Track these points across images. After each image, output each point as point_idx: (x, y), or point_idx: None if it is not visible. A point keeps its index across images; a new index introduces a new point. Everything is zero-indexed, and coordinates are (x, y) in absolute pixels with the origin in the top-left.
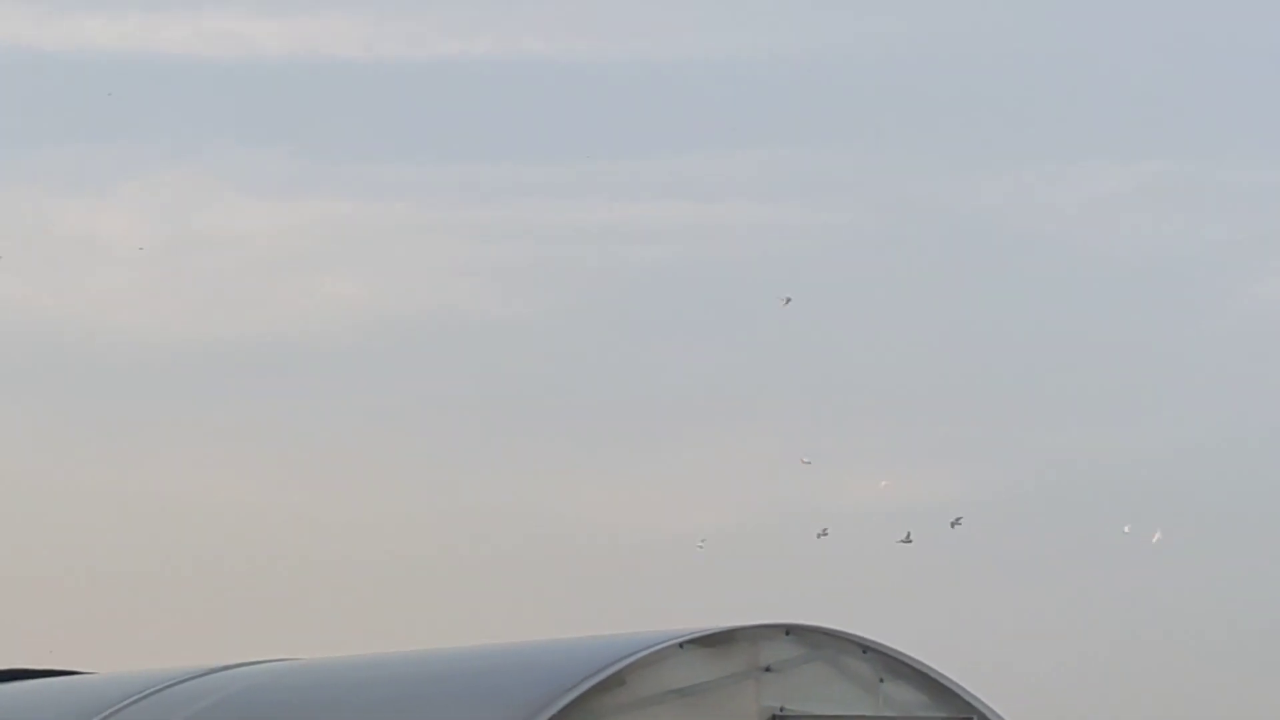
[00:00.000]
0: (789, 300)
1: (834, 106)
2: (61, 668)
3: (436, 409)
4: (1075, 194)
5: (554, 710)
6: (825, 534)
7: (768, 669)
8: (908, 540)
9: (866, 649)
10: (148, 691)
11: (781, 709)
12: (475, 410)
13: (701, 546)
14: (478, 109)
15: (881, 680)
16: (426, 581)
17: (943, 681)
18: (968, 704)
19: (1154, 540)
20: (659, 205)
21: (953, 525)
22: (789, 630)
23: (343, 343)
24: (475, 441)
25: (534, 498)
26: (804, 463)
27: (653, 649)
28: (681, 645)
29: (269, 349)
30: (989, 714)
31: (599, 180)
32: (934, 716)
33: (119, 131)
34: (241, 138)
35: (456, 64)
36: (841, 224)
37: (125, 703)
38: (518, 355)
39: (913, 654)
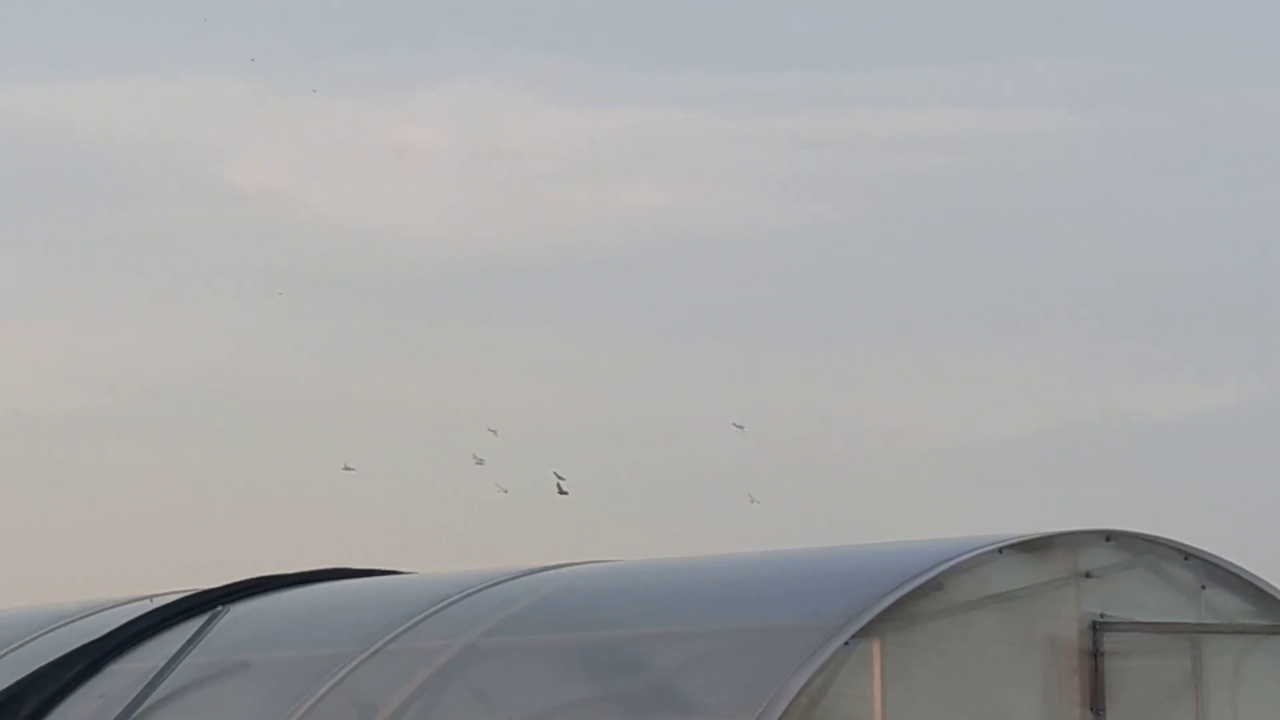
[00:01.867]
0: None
1: (1136, 13)
2: (381, 568)
3: (734, 319)
4: None
5: (873, 614)
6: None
7: (1088, 575)
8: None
9: (1188, 556)
10: (466, 592)
11: (1102, 615)
12: (773, 320)
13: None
14: (778, 12)
15: (1203, 587)
16: (729, 489)
17: (1266, 589)
18: None
19: None
20: (952, 114)
21: None
22: (1109, 536)
23: (642, 253)
24: (773, 351)
25: (835, 406)
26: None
27: (972, 553)
28: (1000, 550)
29: (569, 260)
30: None
31: (899, 89)
32: (1258, 624)
33: (424, 39)
34: (547, 45)
35: None
36: (1138, 132)
37: (443, 603)
38: (816, 264)
39: (1235, 561)
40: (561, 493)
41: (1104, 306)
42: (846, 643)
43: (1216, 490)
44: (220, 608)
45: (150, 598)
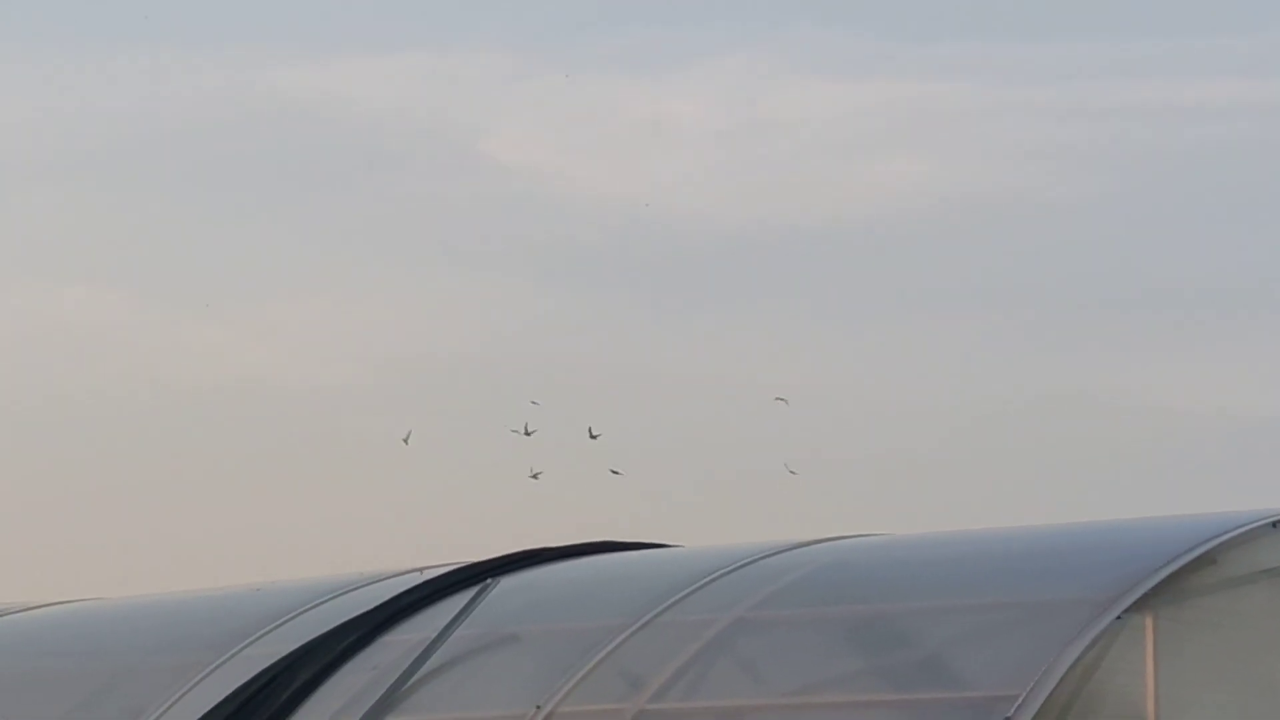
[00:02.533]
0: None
1: None
2: (650, 541)
3: (999, 292)
4: None
5: (1146, 588)
6: None
7: None
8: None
9: None
10: (735, 565)
11: None
12: (1038, 293)
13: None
14: None
15: None
16: (1000, 464)
17: None
18: None
19: None
20: (1220, 84)
21: None
22: None
23: (906, 226)
24: (1040, 325)
25: (1102, 380)
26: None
27: (1244, 528)
28: (1275, 524)
29: (830, 232)
30: None
31: (1161, 60)
32: None
33: (687, 13)
34: (809, 18)
35: None
36: None
37: (712, 576)
38: (1082, 237)
39: None
40: (593, 436)
41: None
42: (1119, 617)
43: None
44: (490, 580)
45: (421, 570)
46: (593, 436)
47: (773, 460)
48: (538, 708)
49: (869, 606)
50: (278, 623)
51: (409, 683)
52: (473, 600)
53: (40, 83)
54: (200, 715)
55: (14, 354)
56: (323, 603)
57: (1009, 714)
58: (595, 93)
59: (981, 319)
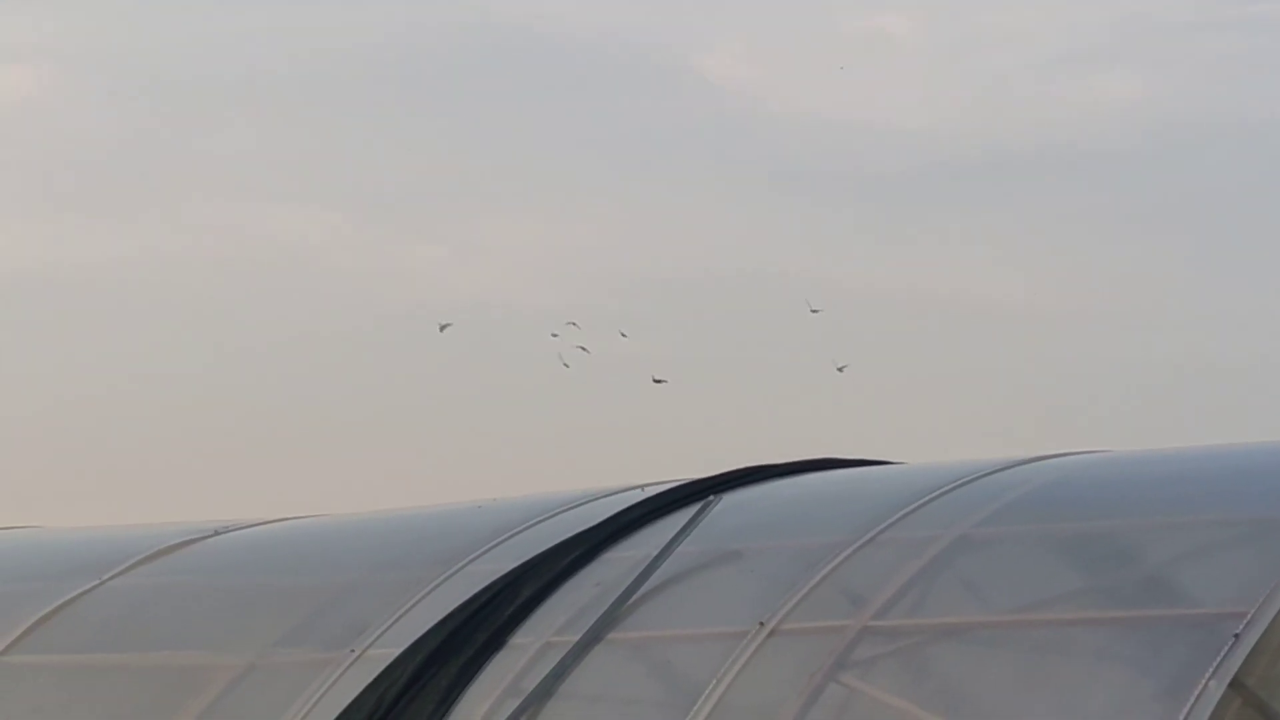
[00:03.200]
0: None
1: None
2: (872, 458)
3: (1216, 210)
4: None
5: None
6: None
7: None
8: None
9: None
10: (958, 482)
11: None
12: (1254, 211)
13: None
14: None
15: None
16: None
17: None
18: None
19: None
20: None
21: None
22: None
23: (1119, 144)
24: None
25: None
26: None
27: None
28: None
29: (1046, 151)
30: None
31: None
32: None
33: None
34: None
35: None
36: None
37: (935, 493)
38: None
39: None
40: (657, 381)
41: None
42: None
43: None
44: (711, 497)
45: (642, 487)
46: (657, 381)
47: (988, 378)
48: (760, 624)
49: (1092, 524)
50: (501, 539)
51: (631, 599)
52: (695, 517)
53: (259, 7)
54: (424, 630)
55: (236, 275)
56: (545, 519)
57: (1237, 631)
58: (809, 9)
59: (1188, 232)
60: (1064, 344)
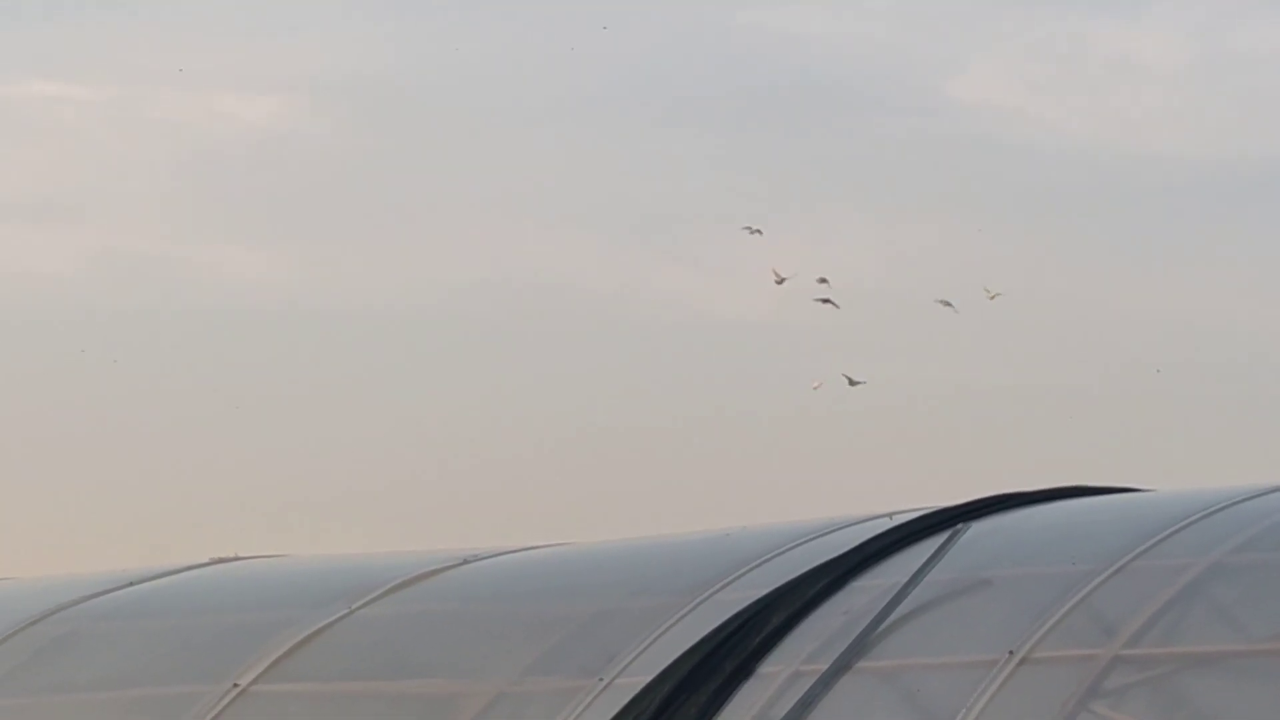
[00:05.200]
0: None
1: None
2: (1122, 485)
3: None
4: None
5: None
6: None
7: None
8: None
9: None
10: (1212, 509)
11: None
12: None
13: (816, 388)
14: None
15: None
16: None
17: None
18: None
19: None
20: None
21: None
22: None
23: None
24: None
25: None
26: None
27: None
28: None
29: None
30: None
31: None
32: None
33: None
34: None
35: None
36: None
37: (1188, 520)
38: None
39: None
40: (853, 383)
41: None
42: None
43: None
44: (960, 525)
45: (890, 515)
46: (853, 384)
47: (1239, 403)
48: (1010, 653)
49: None
50: (748, 567)
51: (881, 627)
52: (944, 545)
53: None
54: (674, 658)
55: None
56: (793, 548)
57: None
58: (1061, 32)
59: None
60: None
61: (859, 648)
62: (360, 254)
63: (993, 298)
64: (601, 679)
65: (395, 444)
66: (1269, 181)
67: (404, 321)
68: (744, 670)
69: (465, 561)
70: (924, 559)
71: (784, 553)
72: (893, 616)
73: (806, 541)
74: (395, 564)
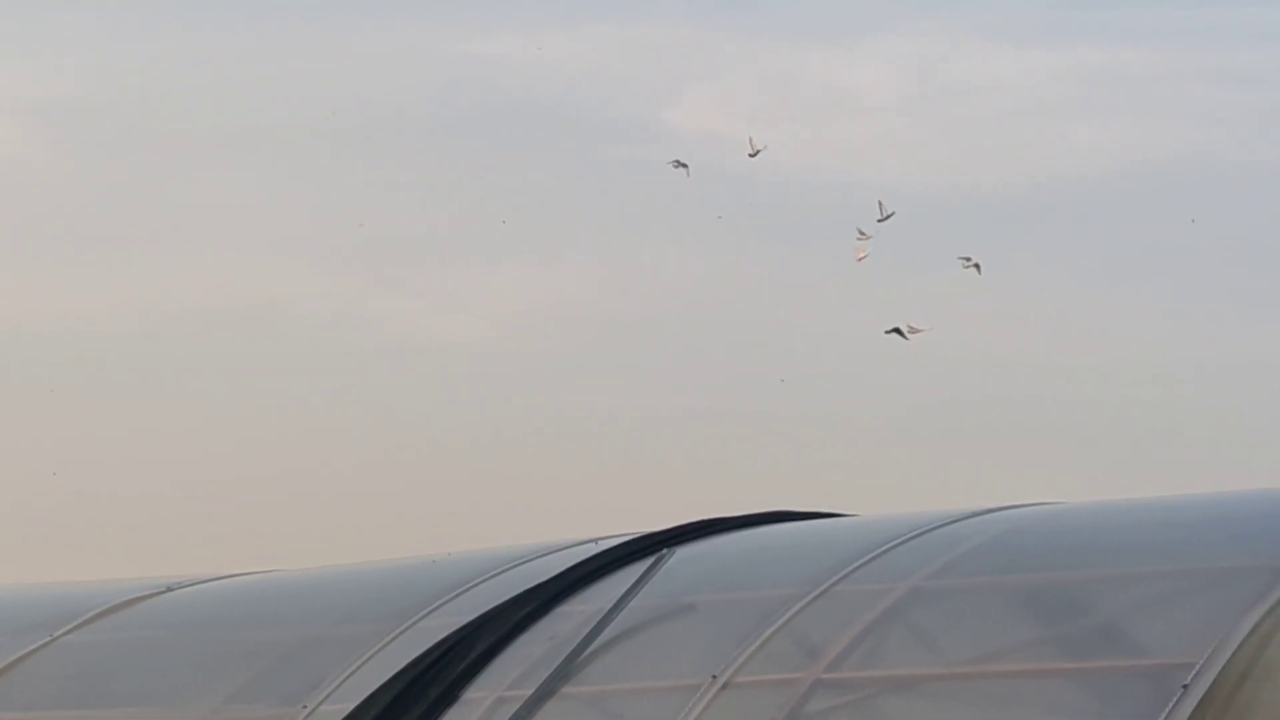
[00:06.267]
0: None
1: None
2: (825, 510)
3: (1183, 255)
4: None
5: None
6: None
7: None
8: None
9: None
10: (911, 534)
11: None
12: (1219, 259)
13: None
14: None
15: None
16: (1181, 430)
17: None
18: None
19: None
20: None
21: None
22: None
23: (1090, 191)
24: (1222, 296)
25: None
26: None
27: None
28: None
29: (1017, 199)
30: None
31: None
32: None
33: None
34: None
35: None
36: None
37: (888, 545)
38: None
39: None
40: (903, 335)
41: None
42: None
43: None
44: (665, 550)
45: (595, 541)
46: (884, 217)
47: (943, 429)
48: (714, 677)
49: (1044, 575)
50: (454, 593)
51: (585, 653)
52: (649, 570)
53: (232, 56)
54: (378, 685)
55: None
56: (499, 574)
57: (1186, 682)
58: (778, 61)
59: (1153, 283)
60: (1026, 393)
61: (564, 673)
62: (61, 276)
63: (967, 267)
64: (305, 706)
65: (96, 471)
66: (982, 210)
67: (108, 345)
68: (448, 697)
69: (169, 589)
70: (629, 584)
71: (490, 578)
72: (597, 642)
73: (513, 567)
74: (98, 591)
